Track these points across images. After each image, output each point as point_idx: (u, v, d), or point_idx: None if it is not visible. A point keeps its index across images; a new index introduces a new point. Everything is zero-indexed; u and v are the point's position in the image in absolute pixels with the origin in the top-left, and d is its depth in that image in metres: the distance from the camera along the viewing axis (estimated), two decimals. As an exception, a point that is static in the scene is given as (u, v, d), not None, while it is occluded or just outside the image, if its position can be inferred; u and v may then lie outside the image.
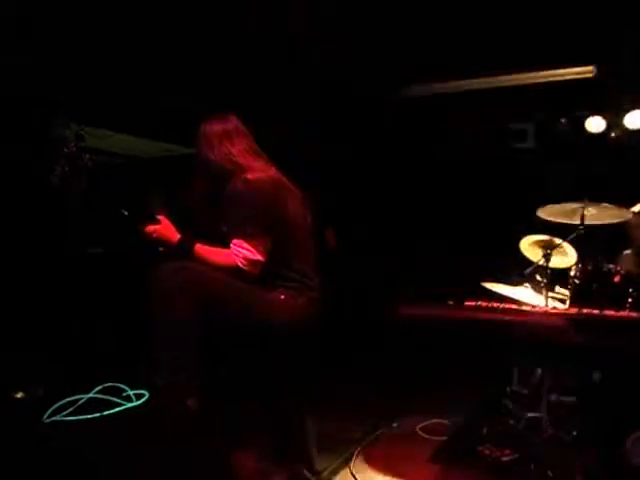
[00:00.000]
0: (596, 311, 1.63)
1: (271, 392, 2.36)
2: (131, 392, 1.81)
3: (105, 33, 3.19)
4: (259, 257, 2.09)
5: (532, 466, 2.60)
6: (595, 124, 3.99)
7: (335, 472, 2.63)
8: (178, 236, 2.17)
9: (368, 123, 4.38)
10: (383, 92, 4.20)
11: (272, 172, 2.25)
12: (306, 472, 2.27)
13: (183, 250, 2.15)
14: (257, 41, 3.60)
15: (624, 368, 1.71)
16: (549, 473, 2.54)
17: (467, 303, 1.82)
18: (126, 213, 2.18)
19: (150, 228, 2.17)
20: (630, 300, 2.72)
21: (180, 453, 1.87)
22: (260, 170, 2.20)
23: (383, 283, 4.05)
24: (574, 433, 2.64)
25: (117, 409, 1.73)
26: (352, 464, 2.73)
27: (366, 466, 2.74)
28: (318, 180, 3.64)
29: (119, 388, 1.82)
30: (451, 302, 1.81)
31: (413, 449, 2.96)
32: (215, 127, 2.27)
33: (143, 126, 3.92)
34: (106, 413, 1.70)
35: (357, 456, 2.82)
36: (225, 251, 2.11)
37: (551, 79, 3.73)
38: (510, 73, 3.80)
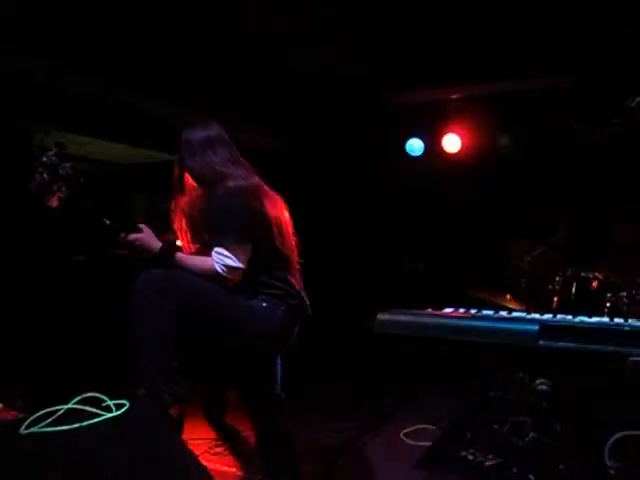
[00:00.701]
0: (570, 317, 1.65)
1: (252, 399, 2.36)
2: (111, 402, 1.79)
3: (85, 38, 3.18)
4: (240, 265, 2.09)
5: (515, 470, 2.63)
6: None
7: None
8: (160, 244, 2.17)
9: (359, 127, 4.40)
10: (377, 94, 4.23)
11: (254, 180, 2.26)
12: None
13: (165, 258, 2.15)
14: (240, 45, 3.61)
15: (602, 372, 1.74)
16: (531, 477, 2.57)
17: (446, 310, 1.83)
18: (108, 222, 2.17)
19: (132, 237, 2.16)
20: (608, 305, 2.77)
21: (162, 462, 1.86)
22: (242, 178, 2.20)
23: (364, 290, 4.07)
24: (556, 437, 2.67)
25: (96, 420, 1.71)
26: (336, 471, 2.73)
27: (350, 473, 2.75)
28: (302, 186, 3.66)
29: (99, 398, 1.80)
30: (430, 309, 1.82)
31: (397, 455, 2.97)
32: (197, 135, 2.26)
33: (124, 132, 3.91)
34: (85, 424, 1.68)
35: (341, 463, 2.83)
36: (206, 259, 2.11)
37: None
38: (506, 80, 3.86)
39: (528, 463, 2.63)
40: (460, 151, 4.41)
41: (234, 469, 2.55)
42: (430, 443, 3.06)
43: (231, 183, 2.15)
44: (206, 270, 2.08)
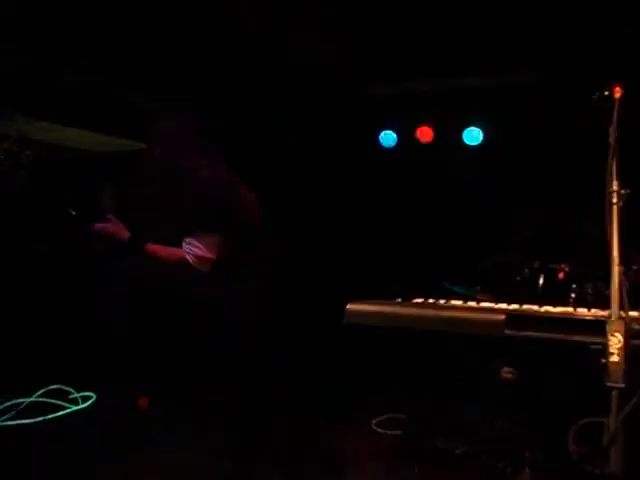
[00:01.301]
0: (536, 307, 1.69)
1: (227, 389, 2.35)
2: (77, 394, 1.76)
3: (56, 22, 3.10)
4: (210, 255, 2.09)
5: (483, 458, 2.68)
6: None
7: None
8: (128, 234, 2.14)
9: (332, 124, 4.41)
10: (351, 91, 4.23)
11: (224, 172, 2.25)
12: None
13: (134, 248, 2.12)
14: (216, 35, 3.56)
15: (565, 360, 1.79)
16: (499, 464, 2.63)
17: (416, 300, 1.85)
18: (74, 213, 2.13)
19: (99, 226, 2.13)
20: (573, 296, 2.84)
21: (132, 454, 1.84)
22: (211, 168, 2.19)
23: (335, 282, 4.08)
24: (522, 424, 2.73)
25: (62, 412, 1.68)
26: (306, 461, 2.74)
27: (320, 463, 2.76)
28: (273, 179, 3.64)
29: (65, 390, 1.77)
30: (400, 299, 1.84)
31: (368, 444, 2.99)
32: (169, 124, 2.24)
33: (93, 119, 3.82)
34: (50, 417, 1.66)
35: (312, 453, 2.84)
36: (176, 249, 2.10)
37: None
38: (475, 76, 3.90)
39: (496, 451, 2.68)
40: (432, 144, 4.45)
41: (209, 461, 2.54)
42: (401, 432, 3.10)
43: (202, 174, 2.14)
44: (177, 260, 2.07)
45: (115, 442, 1.83)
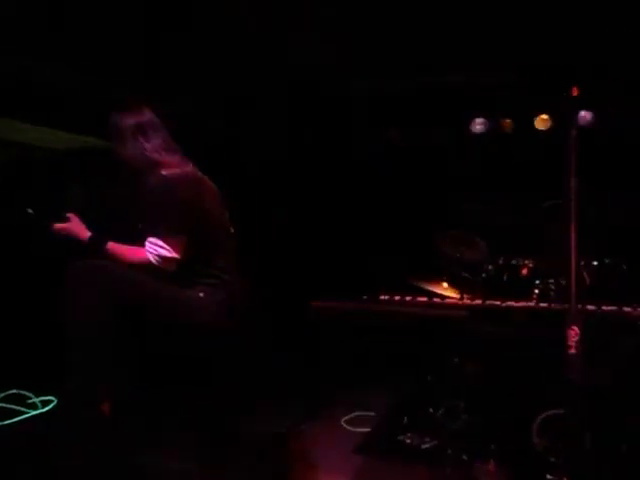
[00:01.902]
0: (498, 302, 1.72)
1: (194, 390, 2.32)
2: (37, 399, 1.71)
3: (21, 18, 2.99)
4: (175, 255, 2.05)
5: (449, 452, 2.73)
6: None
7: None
8: (89, 234, 2.09)
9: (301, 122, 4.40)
10: (327, 90, 4.23)
11: (188, 168, 2.21)
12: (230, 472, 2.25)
13: (95, 248, 2.07)
14: (215, 35, 3.50)
15: (525, 353, 1.83)
16: (464, 457, 2.67)
17: (381, 297, 1.87)
18: (30, 211, 2.07)
19: (58, 226, 2.07)
20: (537, 291, 2.90)
21: (93, 459, 1.80)
22: (176, 166, 2.15)
23: (303, 280, 4.08)
24: (487, 418, 2.78)
25: (20, 417, 1.63)
26: (275, 459, 2.73)
27: (290, 460, 2.76)
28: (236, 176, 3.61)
29: (23, 395, 1.72)
30: (365, 296, 1.85)
31: (337, 442, 3.00)
32: (128, 120, 2.18)
33: (59, 118, 3.71)
34: (7, 422, 1.61)
35: (280, 450, 2.83)
36: (139, 249, 2.05)
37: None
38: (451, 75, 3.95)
39: (462, 444, 2.73)
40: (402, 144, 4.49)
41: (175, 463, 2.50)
42: (369, 429, 3.12)
43: (164, 172, 2.09)
44: (139, 261, 2.03)
45: (77, 446, 1.79)
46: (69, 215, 2.11)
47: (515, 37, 3.48)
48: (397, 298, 1.85)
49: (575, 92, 1.68)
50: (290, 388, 3.64)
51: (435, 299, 1.88)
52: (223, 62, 3.63)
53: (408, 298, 1.85)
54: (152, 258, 2.02)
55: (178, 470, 2.41)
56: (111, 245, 2.09)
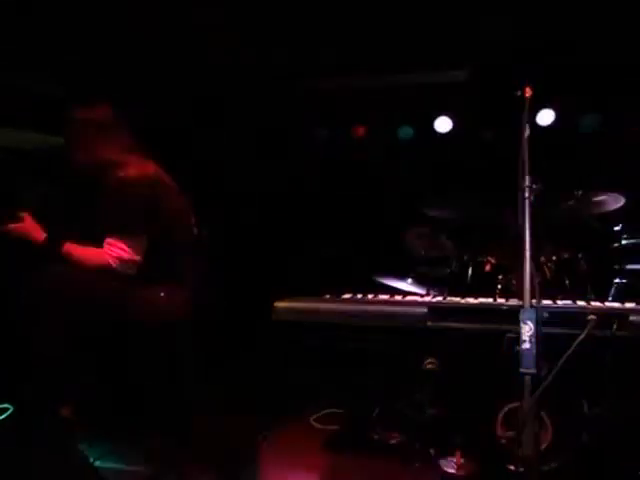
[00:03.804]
0: (458, 299, 1.75)
1: (155, 392, 2.30)
2: (-7, 406, 1.67)
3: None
4: (134, 256, 2.02)
5: (417, 446, 2.77)
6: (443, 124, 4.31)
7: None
8: (44, 235, 2.03)
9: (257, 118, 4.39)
10: (276, 86, 4.22)
11: (149, 168, 2.18)
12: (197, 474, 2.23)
13: (50, 249, 2.01)
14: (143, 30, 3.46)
15: (483, 348, 1.87)
16: (431, 451, 2.72)
17: (344, 296, 1.88)
18: None
19: (10, 227, 2.00)
20: (499, 287, 2.97)
21: (54, 465, 1.77)
22: (136, 166, 2.11)
23: (265, 281, 4.08)
24: (452, 412, 2.83)
25: (-26, 426, 1.59)
26: (243, 458, 2.73)
27: (258, 460, 2.76)
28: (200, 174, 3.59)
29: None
30: (328, 295, 1.86)
31: (306, 440, 3.02)
32: (87, 115, 2.13)
33: (18, 117, 3.62)
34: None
35: (249, 450, 2.83)
36: (97, 250, 2.01)
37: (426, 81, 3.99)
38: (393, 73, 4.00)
39: (428, 438, 2.77)
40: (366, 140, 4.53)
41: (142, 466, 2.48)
42: (338, 426, 3.15)
43: (125, 172, 2.06)
44: (97, 262, 1.98)
45: (36, 453, 1.75)
46: (22, 215, 2.04)
47: (468, 37, 3.55)
48: (359, 296, 1.87)
49: (528, 93, 1.72)
50: (257, 388, 3.64)
51: (397, 297, 1.90)
52: (186, 62, 3.60)
53: (370, 296, 1.87)
54: (111, 261, 1.98)
55: (147, 475, 2.38)
56: (68, 246, 2.03)
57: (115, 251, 1.98)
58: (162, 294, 2.09)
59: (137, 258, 2.01)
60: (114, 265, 1.98)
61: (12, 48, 3.17)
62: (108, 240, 1.99)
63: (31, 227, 2.02)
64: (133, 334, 2.11)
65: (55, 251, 2.01)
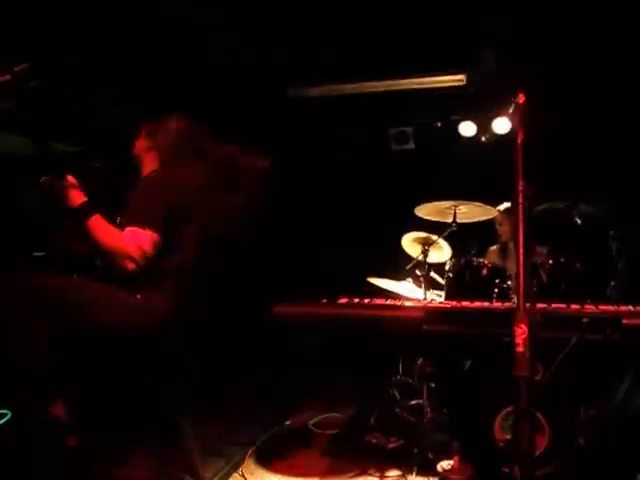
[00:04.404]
0: (454, 303, 1.77)
1: (145, 398, 2.29)
2: (-9, 412, 1.68)
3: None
4: (149, 249, 2.02)
5: (415, 450, 2.77)
6: (467, 129, 4.34)
7: (225, 477, 2.61)
8: (83, 199, 2.01)
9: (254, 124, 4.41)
10: (269, 92, 4.24)
11: (194, 173, 2.23)
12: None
13: (80, 215, 2.00)
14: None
15: (479, 352, 1.88)
16: (429, 455, 2.72)
17: (340, 300, 1.89)
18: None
19: (49, 180, 1.99)
20: (496, 291, 2.98)
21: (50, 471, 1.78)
22: (182, 167, 2.18)
23: (261, 283, 4.09)
24: (450, 416, 2.84)
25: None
26: (243, 466, 2.73)
27: (258, 466, 2.76)
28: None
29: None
30: (324, 300, 1.87)
31: (305, 444, 3.03)
32: (171, 125, 2.28)
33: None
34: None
35: (249, 458, 2.83)
36: (121, 234, 2.02)
37: (428, 86, 3.99)
38: (392, 79, 4.01)
39: (426, 442, 2.78)
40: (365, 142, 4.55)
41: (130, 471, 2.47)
42: (336, 431, 3.15)
43: (158, 170, 2.13)
44: (115, 244, 1.98)
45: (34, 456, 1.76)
46: (68, 176, 2.02)
47: (467, 42, 3.58)
48: (356, 301, 1.88)
49: (521, 99, 1.74)
50: (256, 392, 3.65)
51: (393, 301, 1.91)
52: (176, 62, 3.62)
53: (367, 300, 1.88)
54: (129, 246, 1.97)
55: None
56: (98, 218, 2.00)
57: (137, 239, 1.98)
58: (157, 297, 2.10)
59: (150, 251, 2.01)
60: (131, 252, 1.97)
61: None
62: (131, 228, 2.00)
63: (73, 186, 2.00)
64: (114, 339, 2.11)
65: (84, 218, 1.99)
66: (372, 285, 3.37)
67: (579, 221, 3.21)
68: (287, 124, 4.45)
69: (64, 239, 2.26)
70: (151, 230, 2.04)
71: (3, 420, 1.66)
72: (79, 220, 2.00)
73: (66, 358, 1.94)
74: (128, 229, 2.02)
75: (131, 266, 2.01)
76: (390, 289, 3.21)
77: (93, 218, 2.00)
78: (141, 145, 2.32)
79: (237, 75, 3.99)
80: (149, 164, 2.28)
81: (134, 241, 1.99)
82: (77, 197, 2.01)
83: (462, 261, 3.15)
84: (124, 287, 2.05)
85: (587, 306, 1.84)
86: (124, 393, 2.18)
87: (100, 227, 2.01)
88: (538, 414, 2.20)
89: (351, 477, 2.66)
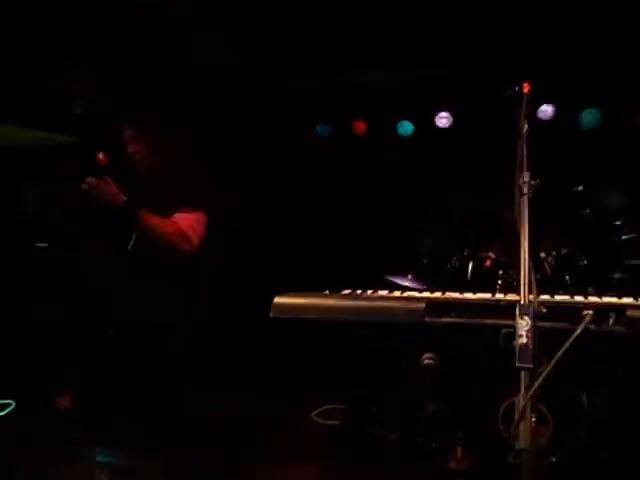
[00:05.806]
0: (456, 294, 1.76)
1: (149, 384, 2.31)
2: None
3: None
4: (202, 230, 2.03)
5: (418, 440, 2.78)
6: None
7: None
8: (124, 197, 2.00)
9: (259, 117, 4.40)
10: (271, 85, 4.24)
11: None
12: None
13: (127, 213, 1.99)
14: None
15: (480, 343, 1.88)
16: (433, 445, 2.73)
17: (343, 292, 1.89)
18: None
19: (94, 182, 1.97)
20: (500, 282, 2.97)
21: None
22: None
23: (268, 277, 4.10)
24: (453, 407, 2.84)
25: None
26: (246, 453, 2.75)
27: (261, 455, 2.78)
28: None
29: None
30: (327, 291, 1.87)
31: (307, 435, 3.04)
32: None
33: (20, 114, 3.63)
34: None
35: (252, 445, 2.85)
36: (173, 221, 2.01)
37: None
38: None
39: (429, 433, 2.78)
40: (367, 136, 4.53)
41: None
42: (339, 421, 3.16)
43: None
44: (174, 230, 1.98)
45: (40, 446, 1.78)
46: (105, 177, 2.01)
47: (463, 33, 3.56)
48: (358, 292, 1.88)
49: (526, 88, 1.72)
50: (257, 386, 3.66)
51: (395, 292, 1.91)
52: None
53: (369, 292, 1.88)
54: (188, 228, 1.97)
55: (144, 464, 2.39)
56: (145, 213, 2.00)
57: (189, 222, 1.99)
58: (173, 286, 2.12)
59: (203, 233, 2.02)
60: (191, 234, 1.97)
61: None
62: (178, 215, 1.99)
63: (113, 188, 1.99)
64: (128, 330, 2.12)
65: (132, 215, 1.98)
66: (375, 278, 3.36)
67: (588, 210, 3.19)
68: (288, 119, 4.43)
69: (95, 243, 2.23)
70: (200, 211, 2.04)
71: (7, 410, 1.67)
72: (129, 216, 1.98)
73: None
74: (178, 216, 2.01)
75: (189, 248, 2.00)
76: (393, 281, 3.21)
77: (142, 212, 1.99)
78: (133, 148, 2.30)
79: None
80: (146, 160, 2.29)
81: (189, 223, 1.98)
82: (121, 196, 2.00)
83: (466, 253, 3.15)
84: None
85: (591, 298, 1.83)
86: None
87: (153, 218, 2.00)
88: (541, 405, 2.20)
89: (353, 467, 2.67)
